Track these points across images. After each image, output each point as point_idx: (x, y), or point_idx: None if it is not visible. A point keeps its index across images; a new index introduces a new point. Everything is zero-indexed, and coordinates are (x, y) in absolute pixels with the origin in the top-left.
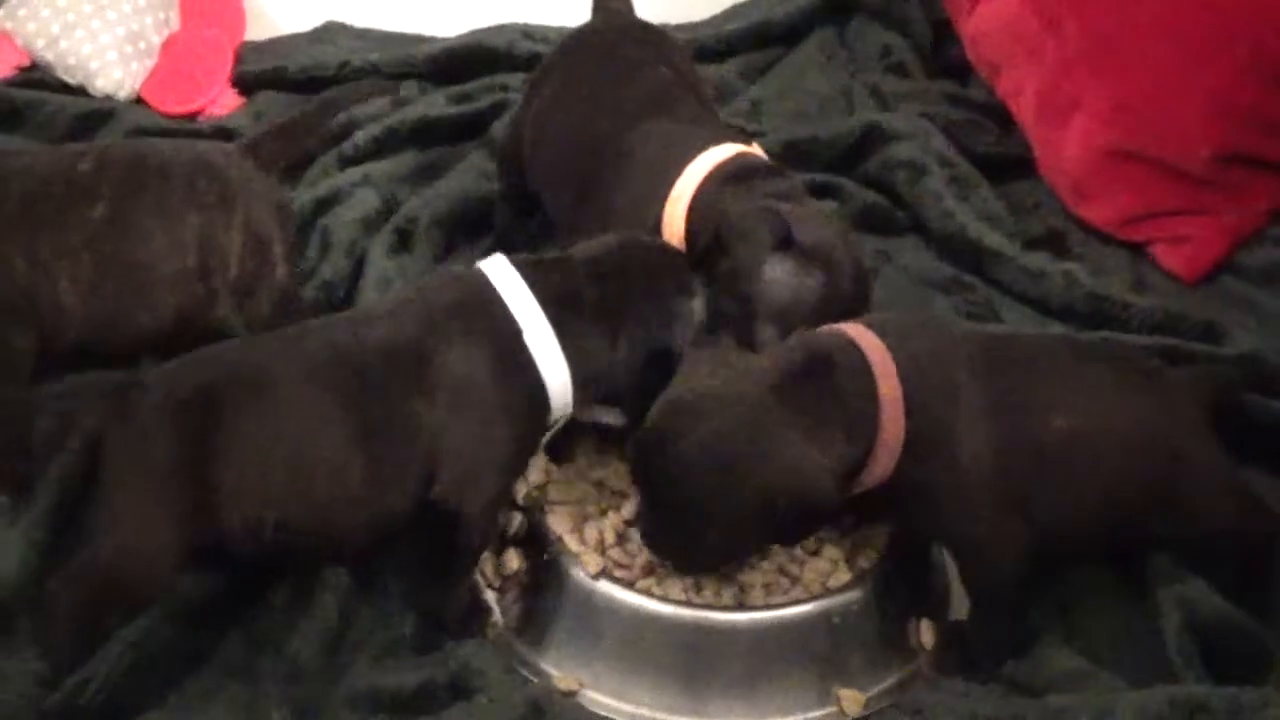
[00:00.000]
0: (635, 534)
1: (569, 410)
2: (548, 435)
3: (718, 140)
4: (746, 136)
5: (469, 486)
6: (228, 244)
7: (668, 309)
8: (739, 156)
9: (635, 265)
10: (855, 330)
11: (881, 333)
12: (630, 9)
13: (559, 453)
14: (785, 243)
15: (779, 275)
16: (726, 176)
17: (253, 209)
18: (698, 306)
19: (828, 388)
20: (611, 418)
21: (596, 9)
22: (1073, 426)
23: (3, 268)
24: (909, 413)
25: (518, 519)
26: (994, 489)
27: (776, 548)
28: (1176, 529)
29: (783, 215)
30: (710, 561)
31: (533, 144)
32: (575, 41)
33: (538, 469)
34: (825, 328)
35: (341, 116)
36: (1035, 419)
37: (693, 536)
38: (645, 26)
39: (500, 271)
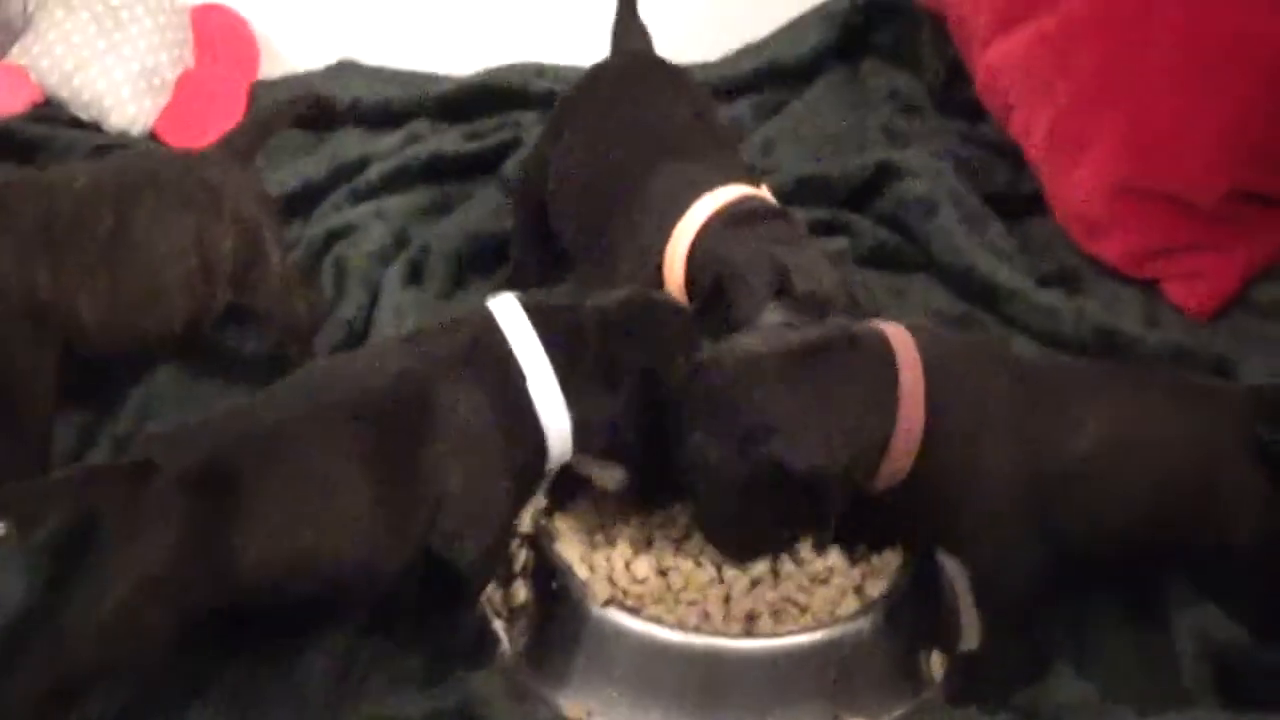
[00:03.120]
0: (644, 562)
1: (566, 459)
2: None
3: (723, 182)
4: (756, 178)
5: (466, 534)
6: (222, 239)
7: (668, 372)
8: (743, 200)
9: (642, 322)
10: (885, 324)
11: (914, 332)
12: (650, 47)
13: (563, 489)
14: (784, 291)
15: (774, 324)
16: (729, 219)
17: (238, 202)
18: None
19: (844, 363)
20: (609, 477)
21: (616, 47)
22: (1104, 440)
23: (28, 286)
24: (932, 410)
25: (523, 554)
26: (1015, 502)
27: (786, 574)
28: (1206, 547)
29: (780, 262)
30: (740, 543)
31: (556, 181)
32: (596, 79)
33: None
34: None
35: (354, 153)
36: (1067, 431)
37: (721, 511)
38: (665, 65)
39: (508, 314)
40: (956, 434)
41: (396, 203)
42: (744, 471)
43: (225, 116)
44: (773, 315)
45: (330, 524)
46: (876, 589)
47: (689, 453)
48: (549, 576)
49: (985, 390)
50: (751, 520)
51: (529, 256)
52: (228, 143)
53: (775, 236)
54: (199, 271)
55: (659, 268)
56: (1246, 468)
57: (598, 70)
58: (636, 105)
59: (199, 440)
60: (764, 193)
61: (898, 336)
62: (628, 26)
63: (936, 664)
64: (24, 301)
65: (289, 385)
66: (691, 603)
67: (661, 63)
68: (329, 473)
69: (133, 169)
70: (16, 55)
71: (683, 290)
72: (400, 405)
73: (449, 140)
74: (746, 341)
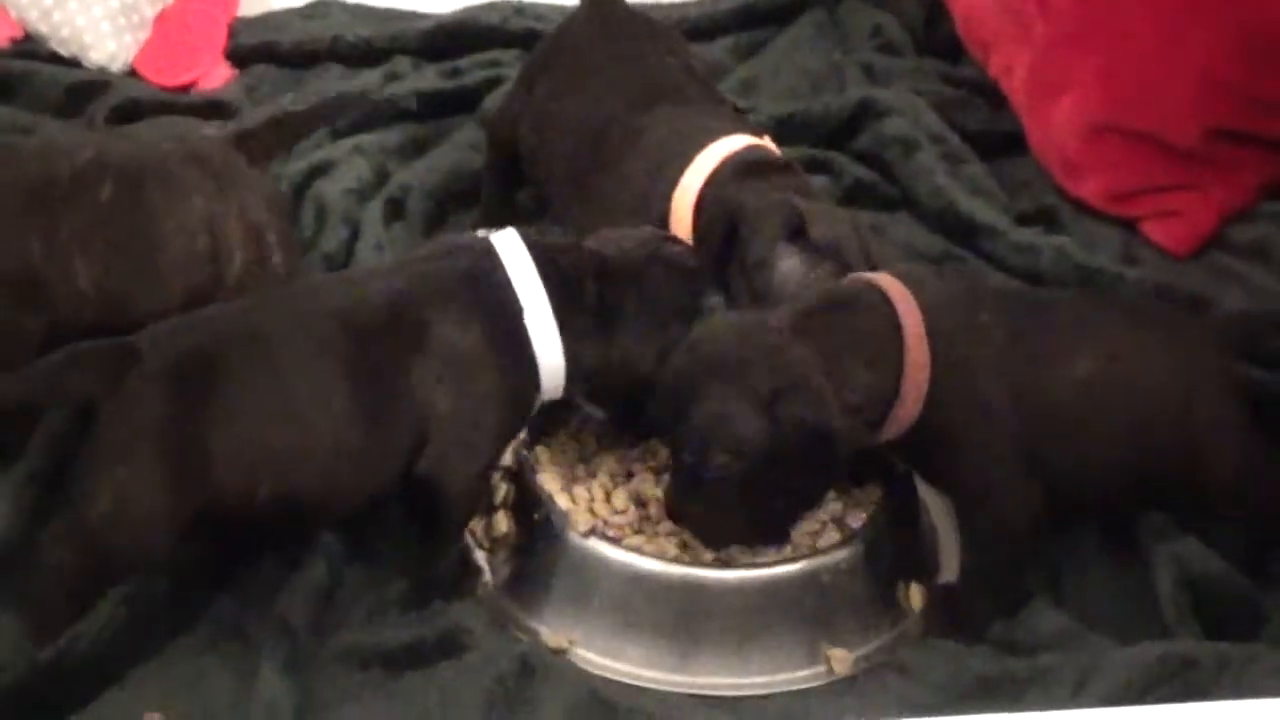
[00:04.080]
0: (623, 493)
1: (558, 394)
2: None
3: (729, 131)
4: (757, 129)
5: (453, 461)
6: (231, 232)
7: (662, 332)
8: (751, 149)
9: (647, 277)
10: (877, 275)
11: (904, 279)
12: None
13: (545, 422)
14: (798, 235)
15: (790, 267)
16: (739, 169)
17: (246, 199)
18: None
19: (847, 323)
20: (598, 411)
21: None
22: (1090, 375)
23: (20, 251)
24: (934, 352)
25: (504, 487)
26: (1011, 440)
27: None
28: (1189, 482)
29: (798, 209)
30: (734, 525)
31: (535, 130)
32: (575, 28)
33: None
34: (852, 275)
35: (334, 90)
36: (1053, 366)
37: (712, 494)
38: (640, 14)
39: (510, 247)
40: (958, 379)
41: (376, 139)
42: (772, 433)
43: (204, 53)
44: (787, 259)
45: (305, 427)
46: (857, 521)
47: (701, 421)
48: (530, 507)
49: (983, 333)
50: (761, 492)
51: (498, 203)
52: (242, 140)
53: (790, 186)
54: (206, 254)
55: (663, 216)
56: (1224, 398)
57: (574, 19)
58: (620, 54)
59: (185, 333)
60: (768, 143)
61: (894, 288)
62: None
63: (915, 596)
64: (15, 266)
65: (282, 292)
66: (671, 533)
67: (636, 12)
68: (309, 376)
69: (145, 150)
70: None
71: (690, 238)
72: (391, 320)
73: (428, 78)
74: (737, 315)
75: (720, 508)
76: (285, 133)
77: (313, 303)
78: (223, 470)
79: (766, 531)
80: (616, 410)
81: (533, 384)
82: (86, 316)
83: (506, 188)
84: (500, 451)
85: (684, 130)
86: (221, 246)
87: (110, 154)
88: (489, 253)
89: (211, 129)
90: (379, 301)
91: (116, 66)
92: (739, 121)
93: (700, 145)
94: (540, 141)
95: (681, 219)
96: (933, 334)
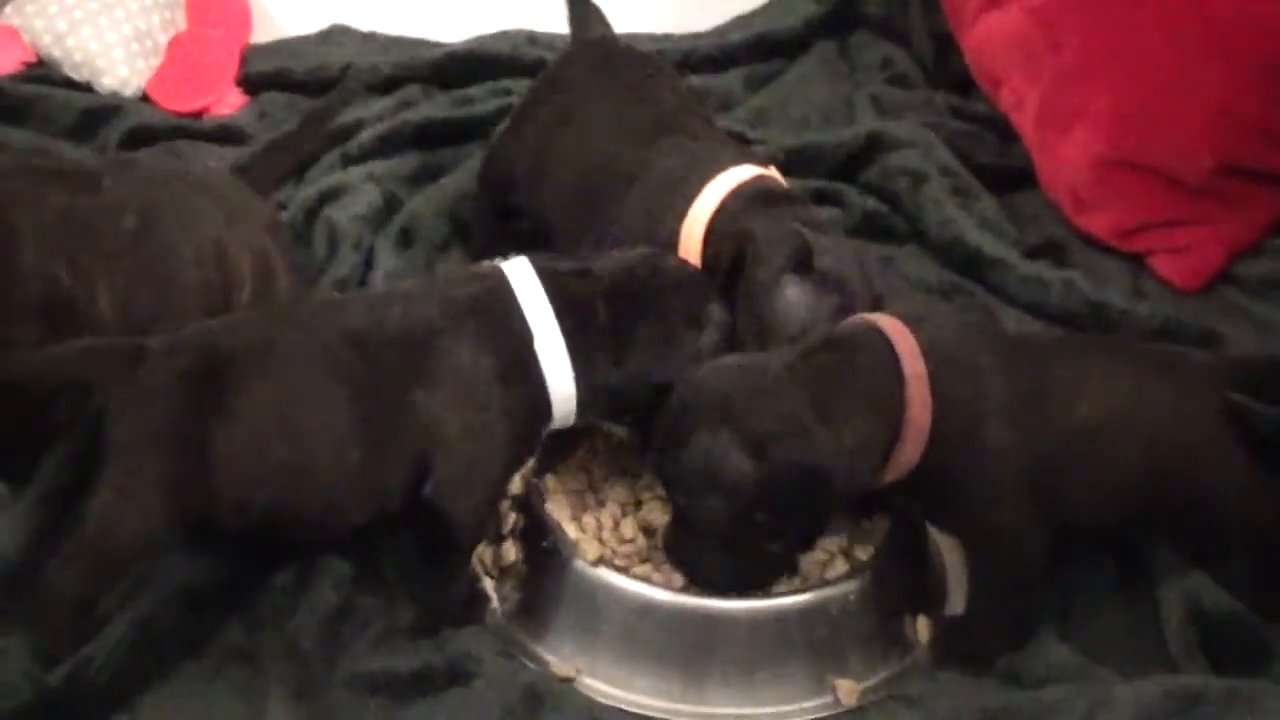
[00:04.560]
0: (631, 521)
1: (569, 422)
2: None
3: (738, 161)
4: (764, 159)
5: (461, 487)
6: (241, 261)
7: (676, 341)
8: (759, 179)
9: (653, 290)
10: (877, 316)
11: (909, 321)
12: (613, 33)
13: (554, 450)
14: (804, 266)
15: (795, 297)
16: (748, 198)
17: (253, 228)
18: (707, 341)
19: (846, 365)
20: (619, 430)
21: (576, 33)
22: (1095, 415)
23: (48, 277)
24: (935, 394)
25: (513, 516)
26: (1017, 481)
27: None
28: (1192, 520)
29: (806, 239)
30: (730, 568)
31: (535, 166)
32: (569, 66)
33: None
34: (852, 317)
35: (346, 118)
36: (1059, 407)
37: (709, 534)
38: (636, 50)
39: (521, 275)
40: (960, 420)
41: (387, 167)
42: (762, 477)
43: (216, 80)
44: (792, 288)
45: (307, 443)
46: (865, 553)
47: (691, 464)
48: (539, 536)
49: (984, 374)
50: (752, 535)
51: (490, 241)
52: (245, 170)
53: (799, 217)
54: (219, 284)
55: (672, 244)
56: (1225, 436)
57: (565, 59)
58: (620, 88)
59: (198, 339)
60: (775, 174)
61: (894, 328)
62: (584, 13)
63: (922, 628)
64: (47, 291)
65: (295, 307)
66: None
67: (631, 48)
68: (314, 392)
69: (160, 176)
70: (9, 15)
71: (699, 264)
72: (399, 343)
73: (440, 106)
74: (738, 358)
75: (713, 550)
76: (285, 156)
77: (328, 320)
78: (220, 478)
79: (760, 575)
80: (639, 425)
81: (542, 412)
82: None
83: (497, 224)
84: (508, 478)
85: (692, 160)
86: (234, 275)
87: (130, 182)
88: (501, 280)
89: (221, 155)
90: (393, 324)
91: (129, 92)
92: (745, 153)
93: (709, 175)
94: (540, 177)
95: (691, 248)
96: (934, 376)
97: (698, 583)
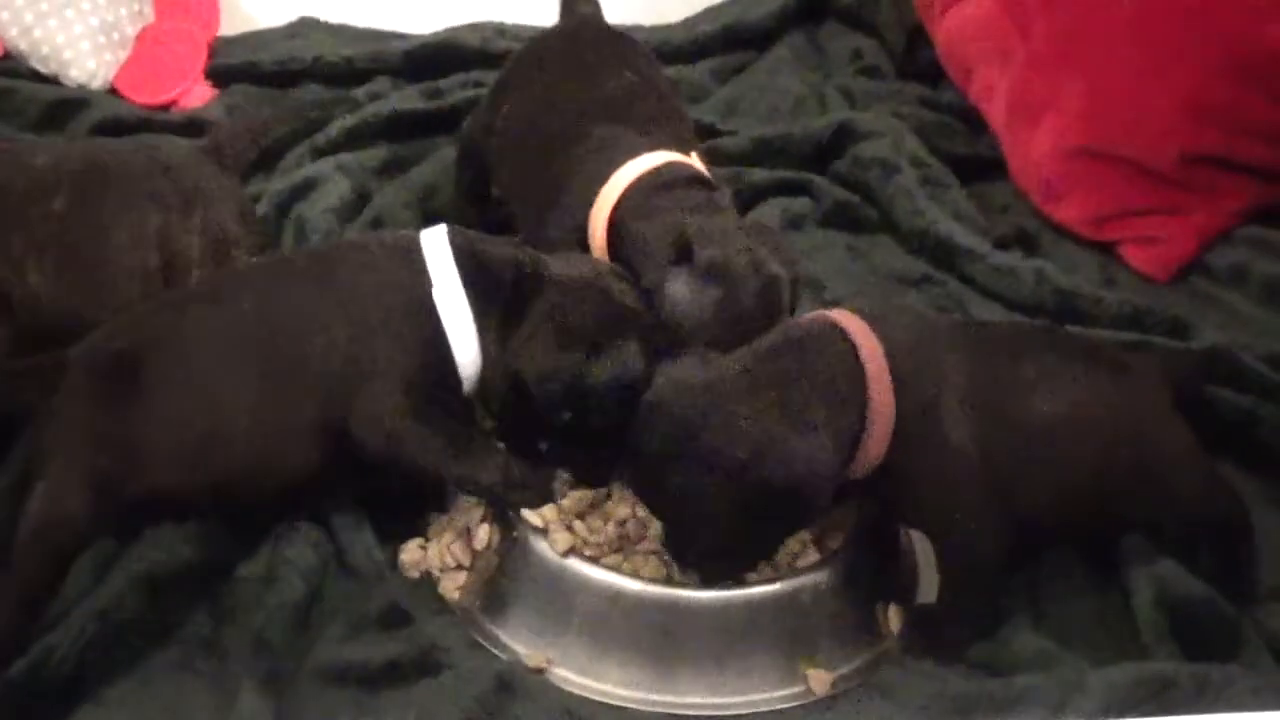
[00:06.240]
0: (601, 513)
1: (474, 385)
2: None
3: (649, 148)
4: (690, 144)
5: (367, 408)
6: (188, 246)
7: (565, 351)
8: (667, 166)
9: (567, 293)
10: (836, 312)
11: (866, 317)
12: (599, 12)
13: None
14: (685, 257)
15: (677, 290)
16: (651, 187)
17: (213, 211)
18: (604, 374)
19: (807, 364)
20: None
21: (564, 12)
22: (1053, 410)
23: None
24: (896, 390)
25: (483, 506)
26: (979, 475)
27: None
28: (1151, 512)
29: (682, 228)
30: (712, 561)
31: (499, 147)
32: (541, 45)
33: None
34: (809, 314)
35: (314, 111)
36: (1016, 402)
37: (689, 532)
38: (610, 30)
39: (434, 237)
40: (921, 414)
41: (357, 159)
42: (739, 500)
43: (185, 72)
44: (674, 282)
45: (217, 427)
46: (836, 542)
47: (669, 487)
48: (509, 526)
49: (943, 368)
50: (740, 538)
51: (469, 219)
52: (217, 149)
53: (688, 203)
54: (159, 269)
55: (583, 236)
56: (1178, 429)
57: (542, 37)
58: (579, 72)
59: (110, 337)
60: (693, 160)
61: (852, 323)
62: None
63: (894, 617)
64: None
65: (215, 277)
66: (649, 552)
67: (608, 29)
68: (223, 360)
69: (105, 158)
70: None
71: (605, 256)
72: (300, 284)
73: (409, 98)
74: (693, 365)
75: (709, 555)
76: (255, 136)
77: (241, 283)
78: (149, 467)
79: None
80: (500, 417)
81: (444, 354)
82: (44, 325)
83: (474, 203)
84: (415, 391)
85: (608, 147)
86: (178, 262)
87: (70, 163)
88: (413, 236)
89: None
90: (298, 267)
91: (96, 84)
92: (674, 139)
93: (618, 163)
94: (501, 157)
95: (597, 238)
96: (895, 372)
97: (710, 581)
